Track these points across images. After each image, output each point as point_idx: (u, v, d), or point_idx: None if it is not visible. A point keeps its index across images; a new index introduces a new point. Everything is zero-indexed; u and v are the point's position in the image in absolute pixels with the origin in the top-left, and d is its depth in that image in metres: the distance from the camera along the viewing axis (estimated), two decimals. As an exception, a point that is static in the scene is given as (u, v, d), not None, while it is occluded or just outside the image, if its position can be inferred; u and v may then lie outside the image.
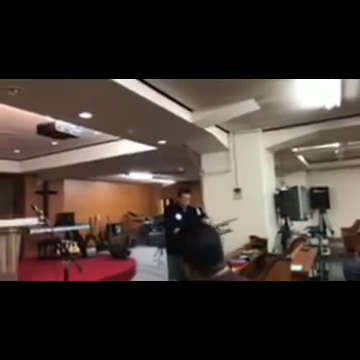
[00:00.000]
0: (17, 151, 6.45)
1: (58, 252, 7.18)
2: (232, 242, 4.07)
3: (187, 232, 1.13)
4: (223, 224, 3.73)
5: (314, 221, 6.83)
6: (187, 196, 3.70)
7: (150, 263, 6.71)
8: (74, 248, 7.20)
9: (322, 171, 9.05)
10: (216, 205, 4.68)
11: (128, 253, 7.21)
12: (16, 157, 7.05)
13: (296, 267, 2.94)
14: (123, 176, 9.31)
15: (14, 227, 4.66)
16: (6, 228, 4.59)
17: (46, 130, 4.26)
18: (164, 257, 4.73)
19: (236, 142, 4.93)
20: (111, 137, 5.39)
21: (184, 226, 3.38)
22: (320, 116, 4.20)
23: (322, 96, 3.39)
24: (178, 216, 3.59)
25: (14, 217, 6.15)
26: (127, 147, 5.54)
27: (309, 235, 5.22)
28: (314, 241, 4.84)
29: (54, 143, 5.68)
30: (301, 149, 6.39)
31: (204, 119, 3.82)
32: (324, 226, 5.14)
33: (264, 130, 4.85)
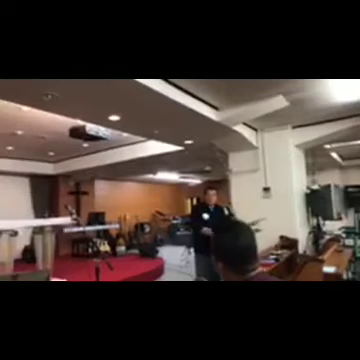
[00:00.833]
0: (51, 153, 6.79)
1: (90, 250, 7.48)
2: (261, 242, 3.94)
3: (224, 230, 1.10)
4: (252, 224, 3.66)
5: (349, 221, 6.49)
6: (212, 192, 3.66)
7: (178, 262, 6.75)
8: (105, 247, 7.44)
9: (358, 168, 8.57)
10: (244, 204, 4.60)
11: (157, 252, 7.31)
12: (50, 159, 7.42)
13: (329, 269, 2.82)
14: (151, 176, 9.46)
15: (49, 226, 4.91)
16: (42, 227, 4.86)
17: (77, 133, 4.44)
18: (192, 256, 4.74)
19: (265, 140, 4.82)
20: (139, 138, 5.50)
21: (219, 223, 3.35)
22: (355, 110, 3.98)
23: (358, 89, 3.22)
24: (205, 215, 3.58)
25: (49, 216, 6.48)
26: (155, 148, 5.63)
27: (344, 236, 4.97)
28: (349, 242, 4.61)
29: (85, 145, 5.91)
30: (334, 145, 6.09)
31: (231, 117, 3.78)
32: (360, 226, 4.87)
33: (294, 127, 4.69)
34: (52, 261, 4.85)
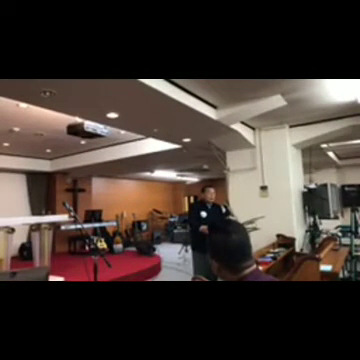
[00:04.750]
0: (48, 151, 6.76)
1: (87, 248, 7.47)
2: (258, 240, 4.00)
3: (217, 229, 1.10)
4: (249, 222, 3.69)
5: (346, 220, 6.54)
6: (212, 190, 3.67)
7: (175, 260, 6.77)
8: (102, 244, 7.43)
9: (355, 167, 8.63)
10: (242, 203, 4.63)
11: (154, 250, 7.32)
12: (48, 156, 7.39)
13: (326, 267, 2.85)
14: (148, 174, 9.45)
15: (46, 223, 4.90)
16: (39, 224, 4.84)
17: (75, 130, 4.42)
18: (189, 254, 4.76)
19: (262, 139, 4.83)
20: (137, 136, 5.50)
21: (212, 222, 3.37)
22: (352, 110, 4.02)
23: (354, 90, 3.25)
24: (203, 213, 3.59)
25: (46, 213, 6.46)
26: (153, 145, 5.63)
27: (340, 234, 5.01)
28: (345, 240, 4.65)
29: (83, 142, 5.89)
30: (331, 145, 6.13)
31: (229, 116, 3.78)
32: (356, 225, 4.91)
33: (291, 126, 4.72)
34: (49, 258, 4.83)
